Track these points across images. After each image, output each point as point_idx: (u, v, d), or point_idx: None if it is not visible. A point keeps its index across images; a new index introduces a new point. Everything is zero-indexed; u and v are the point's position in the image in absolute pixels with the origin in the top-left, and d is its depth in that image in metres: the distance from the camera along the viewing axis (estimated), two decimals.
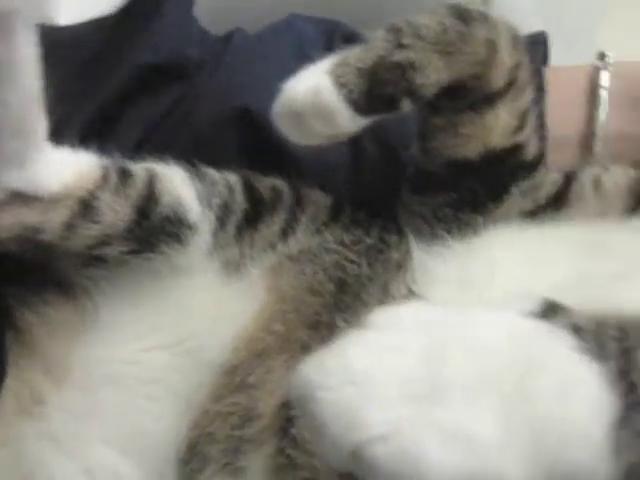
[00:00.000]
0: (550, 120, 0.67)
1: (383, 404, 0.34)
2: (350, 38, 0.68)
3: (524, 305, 0.38)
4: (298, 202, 0.63)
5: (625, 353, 0.36)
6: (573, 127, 0.68)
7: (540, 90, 0.67)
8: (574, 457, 0.34)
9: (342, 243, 0.61)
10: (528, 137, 0.59)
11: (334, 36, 0.73)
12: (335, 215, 0.63)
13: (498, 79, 0.56)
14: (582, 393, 0.34)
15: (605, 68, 0.68)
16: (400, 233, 0.62)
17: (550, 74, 0.69)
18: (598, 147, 0.67)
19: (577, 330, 0.36)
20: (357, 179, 0.68)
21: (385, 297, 0.57)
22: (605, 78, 0.68)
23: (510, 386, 0.34)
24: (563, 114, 0.68)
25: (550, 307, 0.38)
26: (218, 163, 0.63)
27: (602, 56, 0.69)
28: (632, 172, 0.59)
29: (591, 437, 0.34)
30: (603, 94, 0.68)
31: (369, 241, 0.61)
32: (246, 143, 0.68)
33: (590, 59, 0.70)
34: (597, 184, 0.59)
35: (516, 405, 0.34)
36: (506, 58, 0.56)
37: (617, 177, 0.59)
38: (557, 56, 0.76)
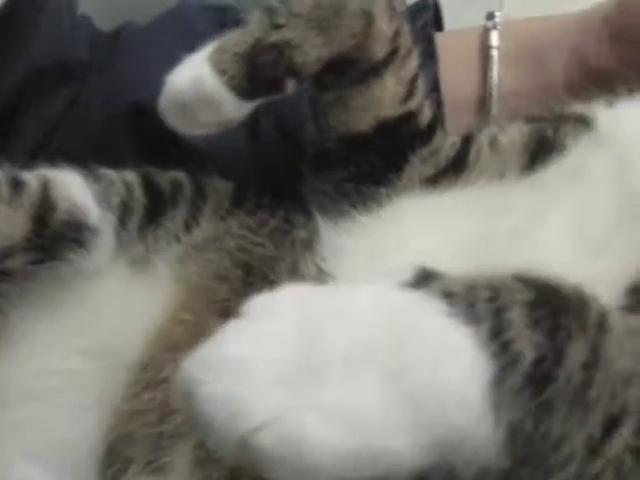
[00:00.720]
0: (445, 84, 0.67)
1: (261, 392, 0.34)
2: (242, 23, 0.67)
3: (397, 276, 0.38)
4: (199, 192, 0.62)
5: (497, 313, 0.36)
6: (468, 89, 0.69)
7: (432, 55, 0.67)
8: (453, 422, 0.34)
9: (247, 227, 0.60)
10: (420, 104, 0.59)
11: (225, 22, 0.72)
12: (238, 201, 0.63)
13: (379, 49, 0.56)
14: (455, 358, 0.34)
15: (494, 28, 0.69)
16: (306, 212, 0.61)
17: (442, 38, 0.70)
18: (494, 106, 0.67)
19: (449, 295, 0.36)
20: (257, 163, 0.68)
21: (295, 277, 0.57)
22: (495, 38, 0.69)
23: (385, 358, 0.34)
24: (457, 77, 0.68)
25: (423, 275, 0.38)
26: (117, 162, 0.62)
27: (491, 16, 0.70)
28: (526, 128, 0.60)
29: (467, 400, 0.34)
30: (494, 53, 0.68)
31: (274, 222, 0.61)
32: (143, 139, 0.68)
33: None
34: (494, 143, 0.59)
35: (393, 376, 0.34)
36: (384, 27, 0.56)
37: (513, 135, 0.59)
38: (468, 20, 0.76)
